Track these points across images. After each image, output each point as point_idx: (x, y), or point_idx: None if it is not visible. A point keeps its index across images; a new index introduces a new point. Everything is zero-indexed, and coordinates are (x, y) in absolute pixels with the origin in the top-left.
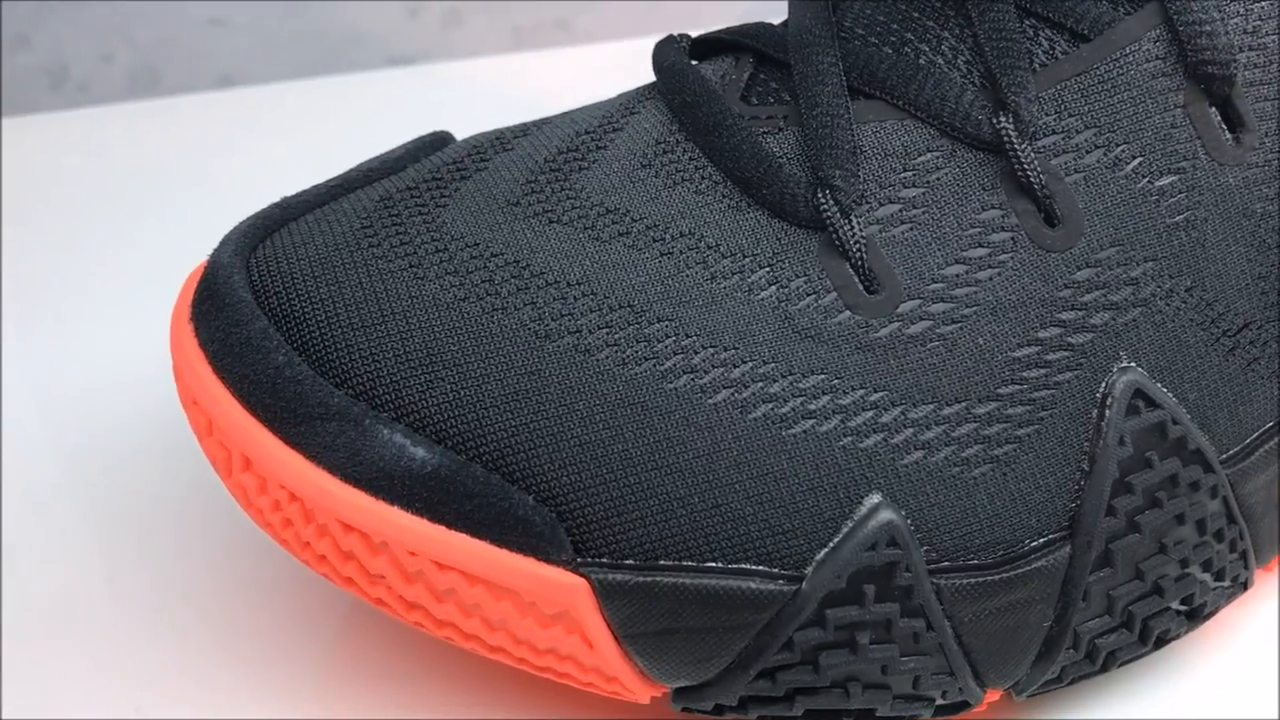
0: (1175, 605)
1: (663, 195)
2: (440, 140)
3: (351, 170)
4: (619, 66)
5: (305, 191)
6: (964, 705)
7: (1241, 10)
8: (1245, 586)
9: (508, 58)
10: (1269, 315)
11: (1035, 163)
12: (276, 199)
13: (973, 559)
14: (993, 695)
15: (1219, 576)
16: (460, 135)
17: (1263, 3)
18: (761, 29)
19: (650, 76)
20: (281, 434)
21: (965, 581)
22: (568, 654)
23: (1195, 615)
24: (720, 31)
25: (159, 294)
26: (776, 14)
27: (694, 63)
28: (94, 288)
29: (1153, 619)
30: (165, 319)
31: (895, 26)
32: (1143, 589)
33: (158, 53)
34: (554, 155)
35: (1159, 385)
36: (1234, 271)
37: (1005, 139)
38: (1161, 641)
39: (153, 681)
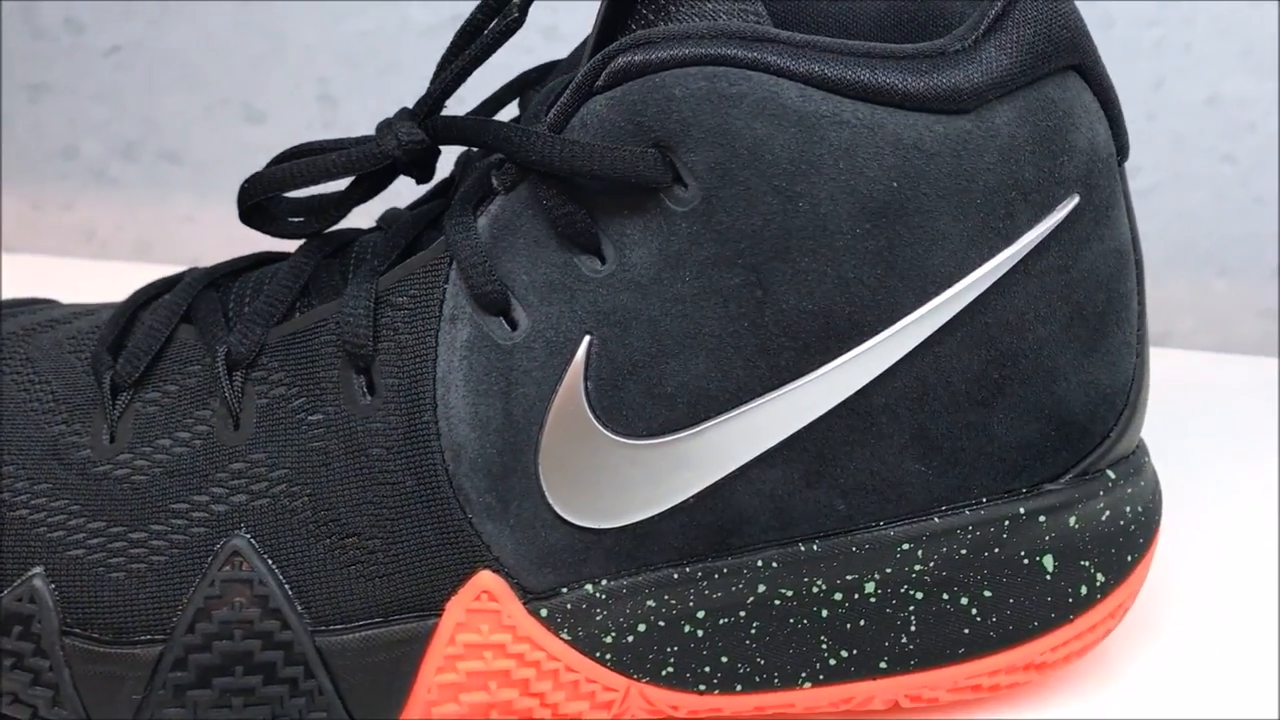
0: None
1: (61, 360)
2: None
3: None
4: None
5: None
6: None
7: (389, 312)
8: None
9: None
10: (375, 531)
11: (236, 385)
12: None
13: (93, 632)
14: None
15: (301, 715)
16: None
17: (403, 311)
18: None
19: None
20: None
21: (83, 646)
22: None
23: None
24: None
25: None
26: None
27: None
28: None
29: None
30: None
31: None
32: (211, 697)
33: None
34: (54, 319)
35: (264, 556)
36: (351, 491)
37: (217, 367)
38: None
39: None
